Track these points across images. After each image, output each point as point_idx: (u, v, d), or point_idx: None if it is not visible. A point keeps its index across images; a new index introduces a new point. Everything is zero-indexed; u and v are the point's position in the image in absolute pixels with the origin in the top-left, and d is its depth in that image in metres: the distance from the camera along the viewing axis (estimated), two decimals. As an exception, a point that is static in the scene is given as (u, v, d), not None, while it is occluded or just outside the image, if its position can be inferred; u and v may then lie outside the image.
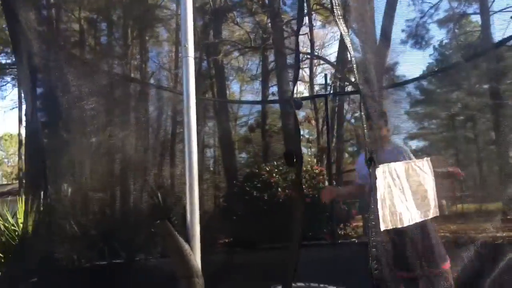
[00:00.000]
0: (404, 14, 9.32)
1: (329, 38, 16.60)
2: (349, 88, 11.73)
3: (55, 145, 5.61)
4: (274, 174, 7.06)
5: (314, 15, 12.57)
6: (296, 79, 2.09)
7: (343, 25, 2.30)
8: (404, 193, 2.03)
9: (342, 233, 7.31)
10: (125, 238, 5.93)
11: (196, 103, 1.63)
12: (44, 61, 5.73)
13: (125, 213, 6.74)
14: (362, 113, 3.01)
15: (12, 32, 5.19)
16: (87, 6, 10.99)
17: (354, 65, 2.41)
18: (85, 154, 6.12)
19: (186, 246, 1.71)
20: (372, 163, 2.29)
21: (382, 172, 1.96)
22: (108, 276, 4.62)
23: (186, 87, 1.43)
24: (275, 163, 7.64)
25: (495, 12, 9.61)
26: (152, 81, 10.58)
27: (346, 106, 12.70)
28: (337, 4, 2.39)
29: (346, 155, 14.34)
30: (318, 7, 11.67)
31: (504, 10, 9.58)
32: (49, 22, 8.32)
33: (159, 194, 6.75)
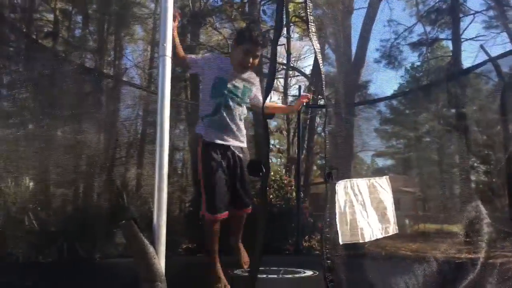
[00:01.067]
0: (379, 34, 9.55)
1: (305, 50, 16.82)
2: (322, 102, 11.87)
3: (22, 136, 5.44)
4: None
5: (292, 27, 12.71)
6: (269, 89, 2.10)
7: (316, 41, 2.34)
8: (366, 209, 2.06)
9: (307, 245, 7.35)
10: (85, 237, 5.78)
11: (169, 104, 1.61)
12: (16, 50, 5.56)
13: (84, 211, 6.57)
14: (326, 129, 3.05)
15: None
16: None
17: (323, 82, 2.47)
18: (51, 148, 5.94)
19: (151, 249, 1.67)
20: (330, 178, 2.31)
21: (344, 187, 1.98)
22: (66, 274, 4.48)
23: (161, 87, 1.41)
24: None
25: (466, 40, 9.98)
26: (125, 78, 10.40)
27: (317, 119, 12.85)
28: (311, 20, 2.42)
29: (315, 167, 14.49)
30: (296, 19, 11.81)
31: (474, 39, 9.96)
32: (23, 10, 8.09)
33: (124, 194, 6.62)
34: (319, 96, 12.79)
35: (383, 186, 2.05)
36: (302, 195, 7.67)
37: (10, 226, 5.32)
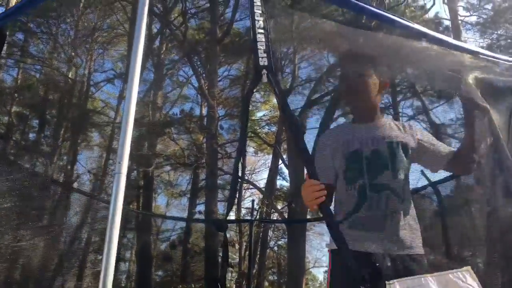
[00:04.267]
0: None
1: (260, 165, 17.30)
2: (275, 216, 11.95)
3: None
4: (190, 298, 6.66)
5: (248, 141, 13.21)
6: (232, 204, 2.05)
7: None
8: None
9: None
10: None
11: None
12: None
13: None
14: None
15: None
16: (21, 102, 10.83)
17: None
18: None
19: None
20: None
21: None
22: None
23: (113, 204, 1.41)
24: (193, 285, 7.27)
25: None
26: (76, 185, 10.16)
27: (270, 233, 12.78)
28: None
29: (266, 283, 14.01)
30: (252, 135, 12.34)
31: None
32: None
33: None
34: (272, 210, 12.91)
35: (467, 281, 1.53)
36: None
37: None
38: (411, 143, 1.91)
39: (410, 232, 1.83)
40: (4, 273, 5.87)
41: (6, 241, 5.62)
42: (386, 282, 1.44)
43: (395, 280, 1.41)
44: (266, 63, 1.65)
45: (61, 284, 7.23)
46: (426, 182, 4.08)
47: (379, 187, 1.83)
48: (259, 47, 1.66)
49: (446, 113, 10.75)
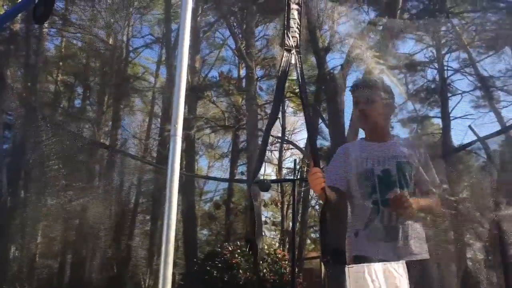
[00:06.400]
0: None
1: (299, 124, 17.23)
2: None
3: (13, 205, 5.39)
4: (236, 255, 6.89)
5: (287, 101, 13.13)
6: (261, 162, 2.09)
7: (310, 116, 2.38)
8: None
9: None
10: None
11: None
12: (16, 118, 5.67)
13: (76, 283, 6.36)
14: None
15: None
16: (66, 70, 11.16)
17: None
18: (41, 217, 5.87)
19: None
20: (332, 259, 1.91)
21: (356, 271, 1.88)
22: None
23: (171, 164, 1.47)
24: (238, 243, 7.50)
25: (455, 118, 10.32)
26: (121, 148, 10.51)
27: (311, 192, 12.87)
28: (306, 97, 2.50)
29: (309, 241, 14.27)
30: (291, 95, 12.24)
31: (463, 117, 10.32)
32: (26, 80, 8.34)
33: (115, 266, 6.45)
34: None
35: (399, 271, 1.91)
36: (297, 270, 7.49)
37: None
38: (415, 160, 2.15)
39: (418, 239, 2.06)
40: (61, 233, 6.27)
41: (60, 202, 5.95)
42: (346, 266, 1.73)
43: (353, 265, 1.74)
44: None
45: (113, 243, 7.64)
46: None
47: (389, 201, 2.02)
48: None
49: (495, 65, 10.22)
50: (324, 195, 1.82)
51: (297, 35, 1.83)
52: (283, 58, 1.80)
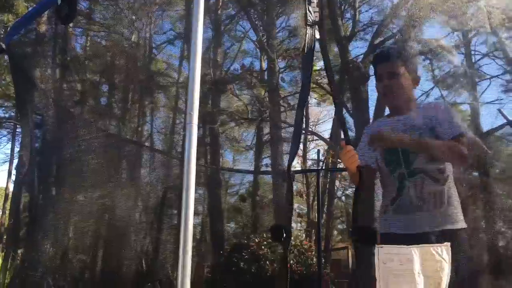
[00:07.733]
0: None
1: (323, 115, 17.10)
2: (341, 165, 11.87)
3: (45, 201, 5.55)
4: (263, 247, 6.93)
5: (310, 93, 13.03)
6: (295, 153, 2.09)
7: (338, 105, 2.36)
8: (415, 279, 1.74)
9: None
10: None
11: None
12: (45, 118, 5.82)
13: (106, 276, 6.53)
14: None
15: (17, 87, 5.32)
16: (91, 68, 11.38)
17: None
18: (72, 213, 6.02)
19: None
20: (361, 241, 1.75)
21: (384, 253, 1.73)
22: None
23: (187, 153, 1.48)
24: (264, 235, 7.54)
25: (484, 103, 10.04)
26: (147, 144, 10.68)
27: (337, 183, 12.78)
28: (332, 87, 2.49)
29: (335, 232, 14.19)
30: (314, 85, 12.14)
31: (493, 102, 10.02)
32: (54, 80, 8.54)
33: (143, 260, 6.58)
34: (339, 160, 12.83)
35: (443, 255, 1.76)
36: (323, 261, 7.47)
37: None
38: (434, 122, 2.07)
39: (452, 208, 2.00)
40: (92, 228, 6.43)
41: (90, 198, 6.10)
42: (377, 245, 1.69)
43: (384, 246, 1.67)
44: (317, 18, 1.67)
45: (142, 237, 7.80)
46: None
47: (416, 171, 2.01)
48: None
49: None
50: (358, 173, 1.80)
51: (319, 10, 1.81)
52: (307, 35, 1.77)
